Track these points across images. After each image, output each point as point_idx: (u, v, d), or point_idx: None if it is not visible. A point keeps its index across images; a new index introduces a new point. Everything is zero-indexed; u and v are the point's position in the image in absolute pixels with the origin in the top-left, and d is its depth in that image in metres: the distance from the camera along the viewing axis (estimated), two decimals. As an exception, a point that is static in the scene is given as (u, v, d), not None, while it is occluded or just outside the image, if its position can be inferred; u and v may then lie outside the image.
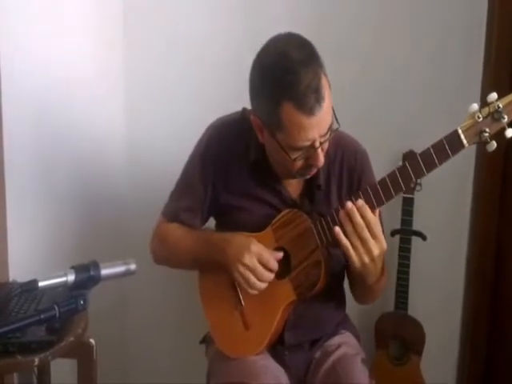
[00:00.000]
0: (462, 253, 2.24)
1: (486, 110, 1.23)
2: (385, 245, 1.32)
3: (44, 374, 1.80)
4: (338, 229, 1.30)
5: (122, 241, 2.14)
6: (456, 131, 1.25)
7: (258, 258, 1.40)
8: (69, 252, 1.97)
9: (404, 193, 2.06)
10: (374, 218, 1.29)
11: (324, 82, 1.28)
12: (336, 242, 1.33)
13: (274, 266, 1.41)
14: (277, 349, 1.53)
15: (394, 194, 1.30)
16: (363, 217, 1.29)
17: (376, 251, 1.30)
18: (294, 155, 1.33)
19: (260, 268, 1.40)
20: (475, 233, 2.21)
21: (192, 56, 2.11)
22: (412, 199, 2.07)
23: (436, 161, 1.26)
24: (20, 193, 1.80)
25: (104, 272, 1.09)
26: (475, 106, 1.24)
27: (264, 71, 1.31)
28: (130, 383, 2.26)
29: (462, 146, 1.25)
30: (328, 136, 1.34)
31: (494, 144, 1.24)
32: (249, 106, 1.52)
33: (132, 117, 2.16)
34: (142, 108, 2.16)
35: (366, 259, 1.30)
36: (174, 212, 1.58)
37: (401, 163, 2.02)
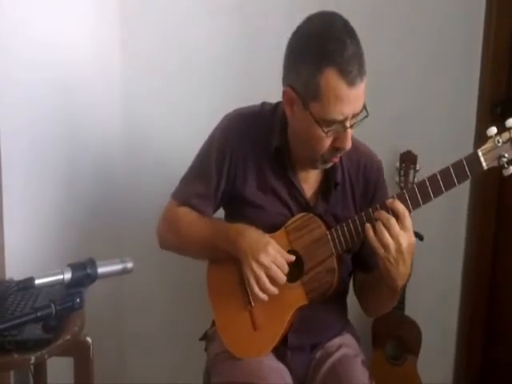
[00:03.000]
0: (459, 253, 2.25)
1: (506, 135, 1.24)
2: (413, 238, 1.31)
3: (40, 372, 1.80)
4: (368, 225, 1.31)
5: (119, 239, 2.14)
6: (476, 153, 1.26)
7: (272, 260, 1.38)
8: (65, 250, 1.97)
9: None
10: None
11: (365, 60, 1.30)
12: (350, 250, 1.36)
13: (286, 269, 1.39)
14: (279, 349, 1.52)
15: (412, 208, 1.31)
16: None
17: (404, 243, 1.29)
18: (326, 129, 1.31)
19: (275, 269, 1.38)
20: (472, 233, 2.21)
21: (189, 51, 2.11)
22: (409, 199, 2.07)
23: (455, 180, 1.27)
24: (16, 191, 1.80)
25: (101, 270, 1.08)
26: (494, 130, 1.25)
27: (307, 37, 1.31)
28: (127, 382, 2.25)
29: (482, 168, 1.26)
30: (358, 120, 1.33)
31: (510, 169, 1.25)
32: (243, 101, 1.53)
33: (129, 114, 2.16)
34: (138, 103, 2.15)
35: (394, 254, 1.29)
36: (185, 195, 1.54)
37: (398, 164, 2.07)
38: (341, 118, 1.30)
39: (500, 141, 1.24)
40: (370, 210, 1.33)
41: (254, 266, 1.37)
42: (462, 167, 1.26)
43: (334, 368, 1.50)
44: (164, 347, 2.27)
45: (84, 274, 1.06)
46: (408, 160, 2.07)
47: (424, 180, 1.30)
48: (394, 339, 2.15)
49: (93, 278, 1.07)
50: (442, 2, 2.09)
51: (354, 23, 2.09)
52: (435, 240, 2.18)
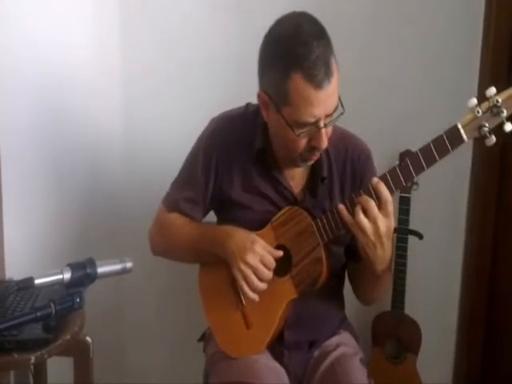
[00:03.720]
0: (459, 252, 2.25)
1: (485, 105, 1.23)
2: (392, 222, 1.31)
3: (40, 372, 1.80)
4: (341, 206, 1.32)
5: (119, 238, 2.14)
6: (456, 126, 1.25)
7: (260, 259, 1.40)
8: (65, 249, 1.97)
9: (401, 192, 2.07)
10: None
11: (333, 60, 1.29)
12: (337, 238, 1.36)
13: (273, 267, 1.41)
14: (276, 348, 1.52)
15: (394, 189, 1.30)
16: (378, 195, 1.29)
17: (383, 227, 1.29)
18: (298, 131, 1.32)
19: (262, 268, 1.40)
20: (472, 232, 2.21)
21: (189, 50, 2.11)
22: (409, 198, 2.07)
23: (436, 156, 1.26)
24: (16, 191, 1.80)
25: (100, 270, 1.08)
26: (474, 101, 1.24)
27: (276, 42, 1.32)
28: (127, 381, 2.26)
29: (462, 140, 1.25)
30: (333, 118, 1.33)
31: (493, 139, 1.24)
32: (243, 102, 1.54)
33: (129, 114, 2.15)
34: (138, 103, 2.15)
35: (372, 237, 1.30)
36: (174, 201, 1.56)
37: (398, 162, 2.07)
38: (312, 120, 1.31)
39: (480, 111, 1.23)
40: (354, 195, 1.33)
41: (242, 266, 1.39)
42: (442, 142, 1.26)
43: (333, 367, 1.50)
44: (164, 347, 2.27)
45: (83, 273, 1.06)
46: (407, 159, 2.07)
47: (406, 159, 1.30)
48: (394, 338, 2.15)
49: (92, 277, 1.07)
50: (442, 2, 2.09)
51: (353, 23, 2.10)
52: (435, 238, 2.18)
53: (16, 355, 1.38)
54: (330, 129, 1.36)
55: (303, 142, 1.35)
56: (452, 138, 1.25)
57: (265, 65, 1.35)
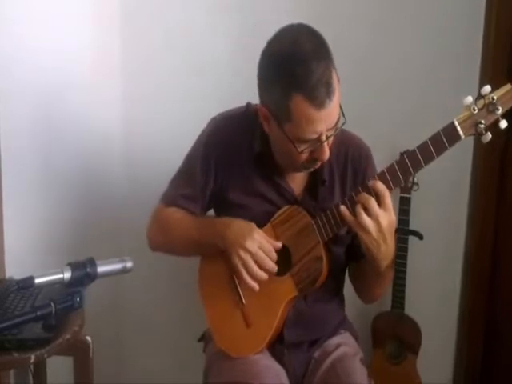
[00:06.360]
0: (459, 252, 2.25)
1: (481, 102, 1.25)
2: (393, 216, 1.32)
3: (40, 371, 1.80)
4: (343, 207, 1.32)
5: (119, 238, 2.14)
6: (452, 123, 1.27)
7: (259, 246, 1.39)
8: (65, 249, 1.97)
9: (401, 192, 2.07)
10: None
11: (334, 75, 1.29)
12: (336, 236, 1.37)
13: (274, 256, 1.41)
14: (276, 348, 1.52)
15: (393, 187, 1.31)
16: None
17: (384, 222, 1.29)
18: (301, 147, 1.33)
19: (261, 254, 1.39)
20: (472, 232, 2.21)
21: (190, 51, 2.10)
22: (409, 199, 2.07)
23: (434, 153, 1.28)
24: (16, 190, 1.80)
25: (100, 269, 1.09)
26: (470, 99, 1.26)
27: (275, 60, 1.31)
28: (127, 381, 2.26)
29: (459, 137, 1.27)
30: (335, 130, 1.34)
31: (488, 135, 1.26)
32: (244, 102, 1.54)
33: (129, 114, 2.15)
34: (138, 103, 2.15)
35: (375, 232, 1.30)
36: (173, 197, 1.56)
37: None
38: (315, 136, 1.31)
39: (476, 108, 1.25)
40: (353, 193, 1.34)
41: (241, 252, 1.39)
42: (439, 139, 1.27)
43: (334, 367, 1.50)
44: (164, 347, 2.27)
45: (84, 273, 1.06)
46: (408, 159, 2.07)
47: (403, 157, 1.31)
48: (394, 338, 2.15)
49: (92, 277, 1.08)
50: (443, 1, 2.09)
51: (354, 23, 2.10)
52: (435, 239, 2.18)
53: (16, 354, 1.38)
54: (331, 138, 1.36)
55: (305, 155, 1.36)
56: (449, 134, 1.27)
57: (264, 81, 1.34)
